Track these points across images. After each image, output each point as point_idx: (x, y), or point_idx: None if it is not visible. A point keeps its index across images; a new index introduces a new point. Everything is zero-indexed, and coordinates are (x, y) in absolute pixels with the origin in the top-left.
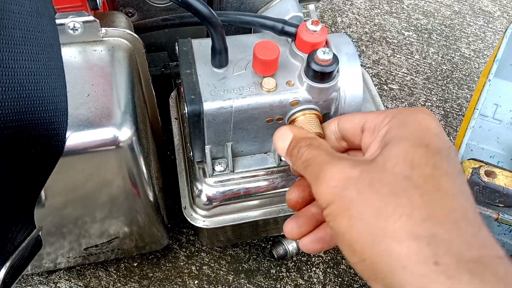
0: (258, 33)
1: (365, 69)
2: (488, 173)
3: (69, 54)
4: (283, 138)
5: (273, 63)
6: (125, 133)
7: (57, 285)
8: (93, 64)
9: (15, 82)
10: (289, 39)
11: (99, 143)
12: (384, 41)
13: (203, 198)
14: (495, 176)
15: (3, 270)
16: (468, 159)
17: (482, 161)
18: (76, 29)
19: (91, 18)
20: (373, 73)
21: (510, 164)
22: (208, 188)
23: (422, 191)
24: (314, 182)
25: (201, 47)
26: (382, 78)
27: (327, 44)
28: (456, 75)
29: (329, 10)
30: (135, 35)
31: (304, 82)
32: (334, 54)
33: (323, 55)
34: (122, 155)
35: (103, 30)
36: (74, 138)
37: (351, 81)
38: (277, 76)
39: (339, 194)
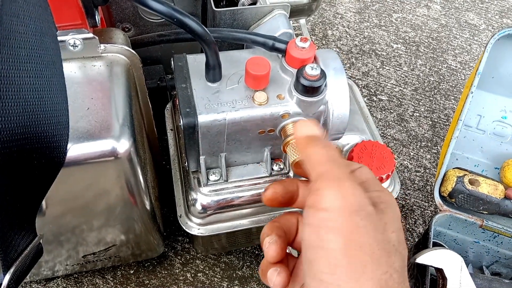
0: (250, 49)
1: (354, 80)
2: (472, 182)
3: (70, 69)
4: (310, 127)
5: (264, 78)
6: (124, 145)
7: None
8: (93, 79)
9: (21, 98)
10: (280, 55)
11: (98, 154)
12: (373, 53)
13: (198, 206)
14: (479, 185)
15: (7, 276)
16: (453, 168)
17: (466, 170)
18: (76, 46)
19: (91, 35)
20: (362, 85)
21: (494, 173)
22: (202, 197)
23: None
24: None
25: (196, 62)
26: (371, 89)
27: (315, 59)
28: (443, 86)
29: (320, 24)
30: (132, 51)
31: (294, 96)
32: (321, 70)
33: (311, 70)
34: (121, 165)
35: (102, 46)
36: (74, 150)
37: (338, 95)
38: (268, 90)
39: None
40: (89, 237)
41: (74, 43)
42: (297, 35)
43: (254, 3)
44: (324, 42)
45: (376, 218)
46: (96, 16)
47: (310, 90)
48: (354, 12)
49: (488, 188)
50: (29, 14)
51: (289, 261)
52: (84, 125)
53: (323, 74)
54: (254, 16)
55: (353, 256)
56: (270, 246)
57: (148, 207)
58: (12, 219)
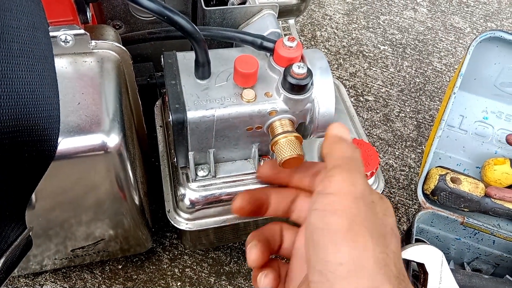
0: (239, 47)
1: (342, 81)
2: (453, 180)
3: (61, 64)
4: (342, 129)
5: (253, 75)
6: (113, 139)
7: (43, 287)
8: (83, 74)
9: (13, 91)
10: (268, 54)
11: (88, 148)
12: (361, 54)
13: (186, 202)
14: (460, 183)
15: None
16: (436, 167)
17: (448, 169)
18: (67, 42)
19: (82, 31)
20: (350, 85)
21: (476, 172)
22: (191, 192)
23: None
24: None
25: (185, 59)
26: (358, 90)
27: (302, 59)
28: (429, 87)
29: (309, 25)
30: (123, 47)
31: (281, 94)
32: (308, 69)
33: (298, 69)
34: (110, 160)
35: (93, 42)
36: (65, 144)
37: (324, 93)
38: (256, 87)
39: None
40: (78, 231)
41: (66, 39)
42: (285, 35)
43: (244, 3)
44: (312, 42)
45: (377, 205)
46: (88, 13)
47: (297, 88)
48: (342, 13)
49: (469, 186)
50: (22, 9)
51: (281, 268)
52: (74, 119)
53: (309, 73)
54: (243, 15)
55: (355, 236)
56: (251, 250)
57: (137, 202)
58: (2, 210)
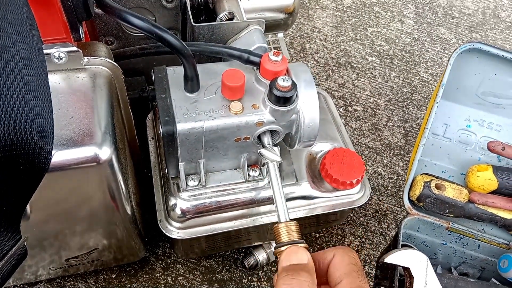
0: (227, 62)
1: (331, 91)
2: (438, 186)
3: (54, 80)
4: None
5: (240, 88)
6: (105, 152)
7: None
8: (76, 89)
9: (9, 107)
10: (254, 67)
11: (81, 160)
12: (349, 65)
13: (178, 211)
14: (445, 189)
15: None
16: (421, 174)
17: (433, 175)
18: (61, 58)
19: (75, 48)
20: (338, 96)
21: (460, 178)
22: (182, 202)
23: None
24: None
25: (175, 74)
26: (347, 100)
27: (287, 72)
28: (416, 97)
29: (298, 37)
30: (115, 63)
31: (268, 106)
32: (293, 81)
33: (283, 82)
34: (103, 171)
35: (86, 59)
36: (58, 156)
37: (309, 104)
38: (243, 100)
39: None
40: (72, 241)
41: (59, 56)
42: (275, 48)
43: (231, 18)
44: (302, 55)
45: None
46: (80, 31)
47: (282, 100)
48: (331, 26)
49: (453, 192)
50: (17, 30)
51: None
52: (67, 133)
53: (294, 86)
54: (231, 31)
55: None
56: None
57: (129, 212)
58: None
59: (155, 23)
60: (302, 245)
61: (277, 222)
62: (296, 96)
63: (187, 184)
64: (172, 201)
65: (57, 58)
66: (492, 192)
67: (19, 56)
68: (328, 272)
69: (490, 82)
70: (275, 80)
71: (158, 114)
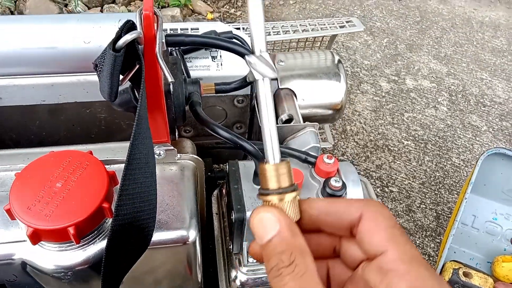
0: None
1: (369, 172)
2: (465, 274)
3: None
4: (265, 226)
5: (299, 185)
6: (192, 234)
7: None
8: (170, 180)
9: (138, 191)
10: (310, 166)
11: (173, 240)
12: (386, 148)
13: (238, 282)
14: (472, 277)
15: None
16: (450, 261)
17: (461, 263)
18: (160, 155)
19: (171, 147)
20: (376, 176)
21: (487, 266)
22: (242, 275)
23: None
24: None
25: (245, 167)
26: (383, 181)
27: (338, 171)
28: (447, 181)
29: (340, 119)
30: (199, 158)
31: None
32: (343, 182)
33: (335, 183)
34: (188, 249)
35: (178, 155)
36: (155, 236)
37: None
38: (300, 193)
39: None
40: None
41: (159, 153)
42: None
43: (290, 119)
44: (343, 136)
45: None
46: (176, 133)
47: (334, 197)
48: (370, 110)
49: (479, 281)
50: (144, 147)
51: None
52: (164, 217)
53: (344, 186)
54: (290, 131)
55: None
56: None
57: (199, 280)
58: (109, 280)
59: (237, 135)
60: (291, 194)
61: (263, 161)
62: (345, 194)
63: (248, 260)
64: (233, 273)
65: (157, 155)
66: None
67: (145, 161)
68: (357, 238)
69: None
70: (328, 180)
71: (231, 202)
